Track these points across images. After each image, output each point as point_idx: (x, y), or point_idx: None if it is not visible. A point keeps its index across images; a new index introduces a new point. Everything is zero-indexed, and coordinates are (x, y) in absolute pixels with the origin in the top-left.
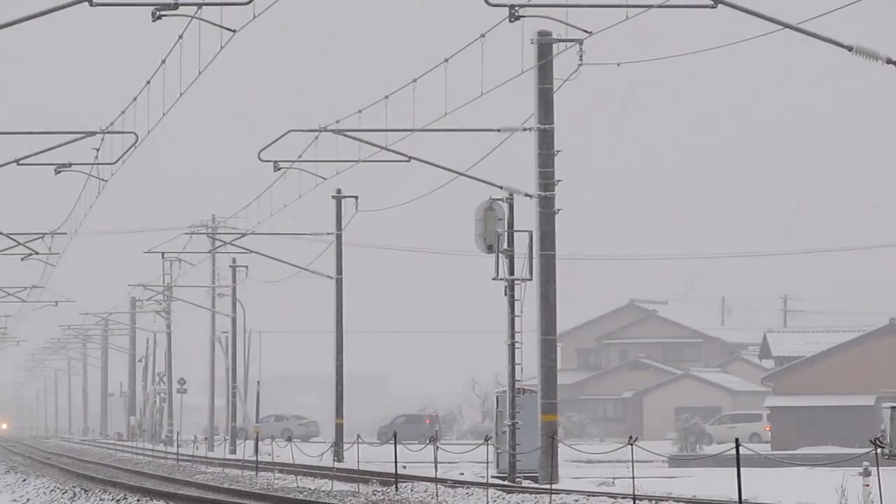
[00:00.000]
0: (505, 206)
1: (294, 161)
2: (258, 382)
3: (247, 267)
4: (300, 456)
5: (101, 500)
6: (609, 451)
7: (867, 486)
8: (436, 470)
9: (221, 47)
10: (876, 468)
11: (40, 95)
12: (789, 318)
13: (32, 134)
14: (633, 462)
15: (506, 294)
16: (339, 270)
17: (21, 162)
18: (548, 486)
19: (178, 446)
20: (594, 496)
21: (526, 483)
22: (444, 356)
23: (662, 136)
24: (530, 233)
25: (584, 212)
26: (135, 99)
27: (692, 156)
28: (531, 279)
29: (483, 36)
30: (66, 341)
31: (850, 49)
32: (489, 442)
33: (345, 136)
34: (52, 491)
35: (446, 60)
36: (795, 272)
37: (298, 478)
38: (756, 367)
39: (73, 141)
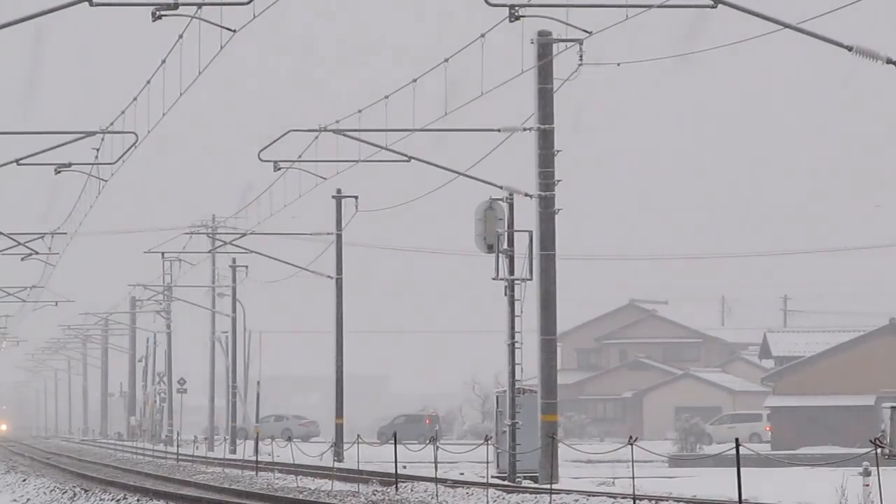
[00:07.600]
0: (505, 206)
1: (294, 161)
2: (258, 382)
3: (247, 267)
4: (300, 456)
5: (101, 500)
6: (609, 451)
7: (867, 486)
8: (436, 470)
9: (221, 47)
10: (876, 468)
11: (40, 95)
12: (789, 318)
13: (32, 134)
14: (633, 462)
15: (506, 294)
16: (339, 270)
17: (21, 162)
18: (548, 486)
19: (178, 446)
20: (594, 496)
21: (526, 483)
22: (444, 356)
23: (662, 136)
24: (530, 233)
25: (584, 212)
26: (135, 99)
27: (692, 156)
28: (531, 279)
29: (483, 36)
30: (66, 341)
31: (850, 49)
32: (489, 442)
33: (345, 136)
34: (52, 491)
35: (446, 60)
36: (795, 272)
37: (298, 478)
38: (756, 367)
39: (73, 141)
